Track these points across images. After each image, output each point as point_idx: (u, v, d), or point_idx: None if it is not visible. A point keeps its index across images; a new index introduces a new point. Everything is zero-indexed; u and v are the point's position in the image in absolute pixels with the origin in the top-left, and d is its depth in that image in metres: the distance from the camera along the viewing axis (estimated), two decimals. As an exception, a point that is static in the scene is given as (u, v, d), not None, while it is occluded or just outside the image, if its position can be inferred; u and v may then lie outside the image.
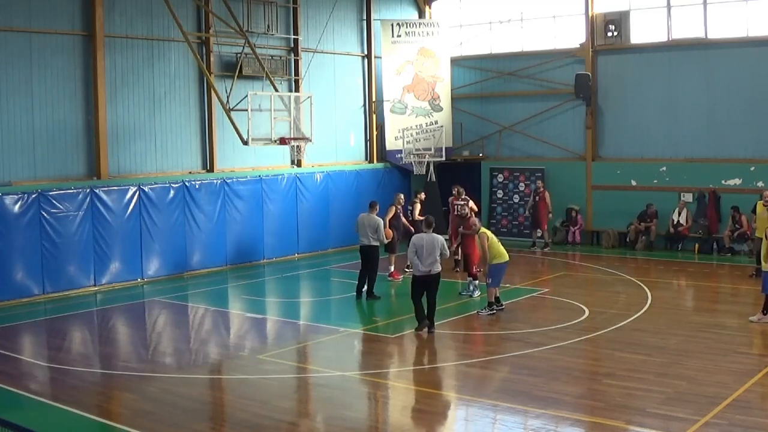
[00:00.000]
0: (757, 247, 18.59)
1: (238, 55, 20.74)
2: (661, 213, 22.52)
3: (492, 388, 11.01)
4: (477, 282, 16.79)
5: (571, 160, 24.51)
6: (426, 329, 13.97)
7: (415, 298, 14.08)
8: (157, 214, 19.19)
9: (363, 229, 16.97)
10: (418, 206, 19.79)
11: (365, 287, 16.88)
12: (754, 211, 19.01)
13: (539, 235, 23.50)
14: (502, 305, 15.39)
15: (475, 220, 16.69)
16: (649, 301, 16.16)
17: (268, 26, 21.76)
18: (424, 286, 13.96)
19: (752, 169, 21.60)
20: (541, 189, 23.44)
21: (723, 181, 21.96)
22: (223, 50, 21.00)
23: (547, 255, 22.29)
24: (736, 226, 21.09)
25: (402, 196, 19.31)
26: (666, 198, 22.59)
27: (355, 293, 16.96)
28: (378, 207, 17.36)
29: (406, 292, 17.98)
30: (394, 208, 18.78)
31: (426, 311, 14.03)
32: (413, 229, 18.02)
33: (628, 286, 17.87)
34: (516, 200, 25.24)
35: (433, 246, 13.78)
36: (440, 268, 14.01)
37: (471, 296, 16.75)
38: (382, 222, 17.13)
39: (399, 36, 25.42)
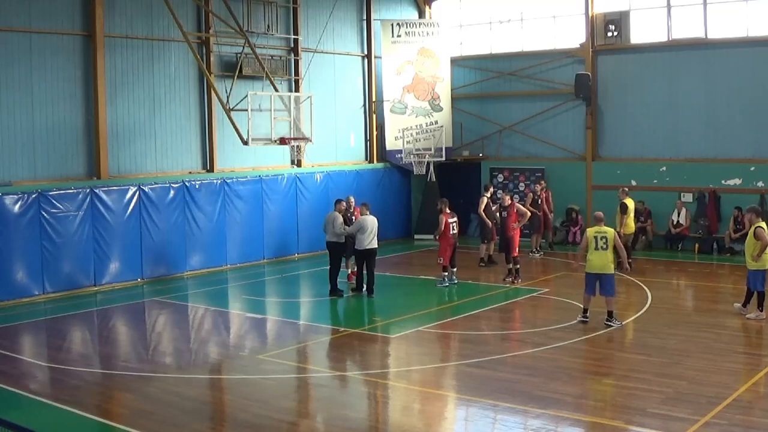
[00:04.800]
0: (625, 241, 18.70)
1: (238, 55, 20.73)
2: (661, 213, 22.51)
3: (492, 388, 10.99)
4: (446, 274, 17.77)
5: (571, 160, 24.50)
6: (362, 292, 16.92)
7: (359, 269, 17.11)
8: (157, 214, 19.18)
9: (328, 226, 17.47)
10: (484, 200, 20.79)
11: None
12: (623, 211, 19.19)
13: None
14: (586, 317, 14.40)
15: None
16: (649, 301, 16.15)
17: (268, 26, 21.76)
18: (366, 258, 16.78)
19: (752, 169, 21.59)
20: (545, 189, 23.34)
21: (723, 181, 21.95)
22: (223, 50, 20.99)
23: (548, 255, 22.27)
24: (738, 226, 21.06)
25: (352, 198, 18.74)
26: (666, 198, 22.58)
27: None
28: (341, 204, 17.58)
29: (406, 291, 18.08)
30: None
31: (366, 279, 16.86)
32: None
33: (628, 286, 17.84)
34: (516, 200, 25.11)
35: (373, 225, 16.77)
36: (377, 244, 16.91)
37: (441, 285, 17.64)
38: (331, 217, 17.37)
39: (399, 36, 25.42)
